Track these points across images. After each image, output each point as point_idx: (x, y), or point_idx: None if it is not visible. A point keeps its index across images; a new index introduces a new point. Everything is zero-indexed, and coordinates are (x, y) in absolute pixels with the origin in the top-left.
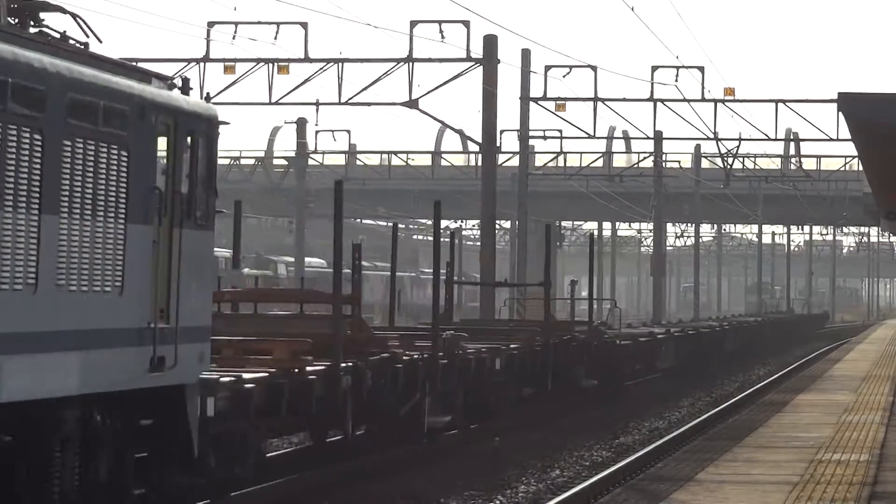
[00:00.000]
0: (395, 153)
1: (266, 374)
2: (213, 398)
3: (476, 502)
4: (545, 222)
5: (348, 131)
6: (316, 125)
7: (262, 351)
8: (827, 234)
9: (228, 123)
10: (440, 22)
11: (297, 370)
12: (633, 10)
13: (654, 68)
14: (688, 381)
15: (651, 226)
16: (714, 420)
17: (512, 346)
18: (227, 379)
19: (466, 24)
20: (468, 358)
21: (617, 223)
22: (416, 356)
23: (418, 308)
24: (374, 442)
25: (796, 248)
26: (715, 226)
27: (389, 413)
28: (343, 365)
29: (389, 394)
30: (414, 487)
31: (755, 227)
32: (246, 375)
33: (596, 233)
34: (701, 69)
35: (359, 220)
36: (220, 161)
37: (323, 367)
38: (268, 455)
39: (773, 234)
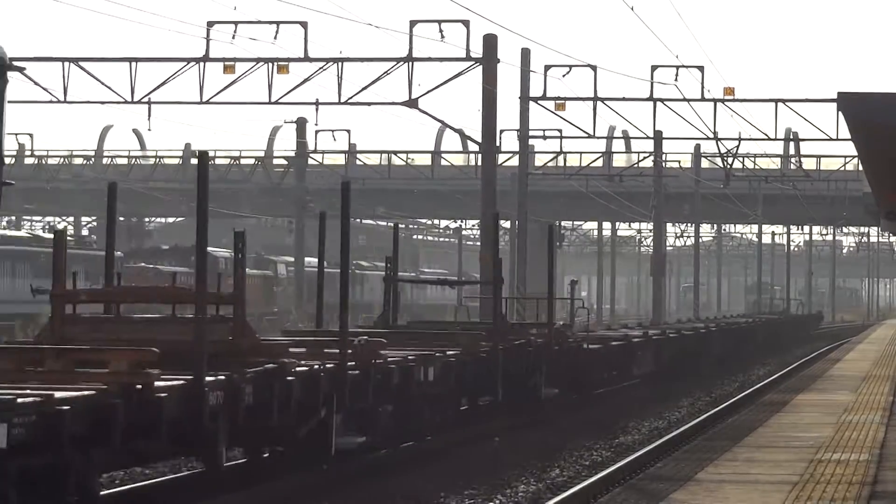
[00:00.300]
0: (395, 153)
1: (91, 393)
2: (5, 425)
3: (476, 502)
4: (494, 211)
5: (348, 131)
6: (316, 125)
7: (99, 362)
8: (827, 234)
9: (23, 69)
10: (440, 21)
11: (139, 386)
12: (632, 9)
13: (654, 68)
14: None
15: (651, 226)
16: (714, 420)
17: (449, 352)
18: (28, 399)
19: (466, 23)
20: (389, 368)
21: (617, 223)
22: (316, 366)
23: (419, 308)
24: (274, 467)
25: (796, 248)
26: (715, 226)
27: (282, 435)
28: (210, 379)
29: (281, 412)
30: (414, 487)
31: (755, 227)
32: (59, 394)
33: (598, 231)
34: (701, 69)
35: (359, 220)
36: (219, 161)
37: (180, 382)
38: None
39: (773, 234)
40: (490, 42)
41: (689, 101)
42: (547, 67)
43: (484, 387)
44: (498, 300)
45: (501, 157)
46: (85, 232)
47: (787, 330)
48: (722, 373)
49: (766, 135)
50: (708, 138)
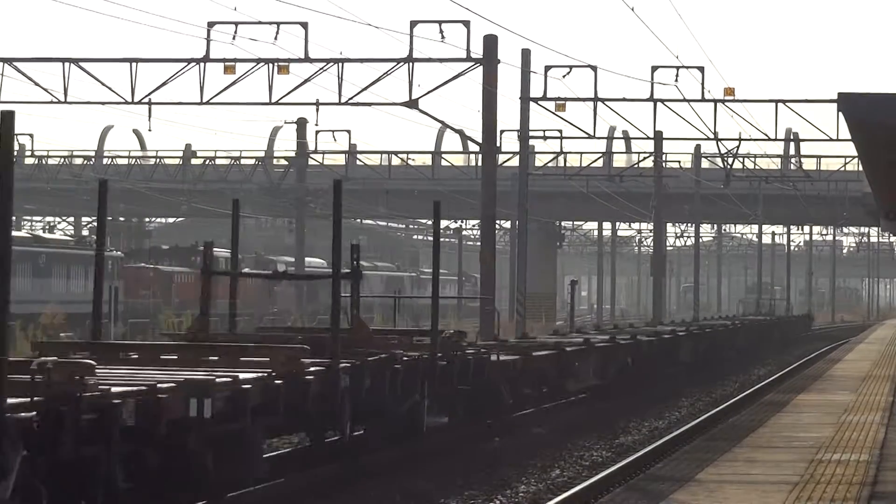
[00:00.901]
0: (396, 153)
1: None
2: None
3: (476, 502)
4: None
5: (348, 131)
6: (316, 125)
7: None
8: (827, 234)
9: None
10: (440, 22)
11: None
12: (633, 10)
13: (654, 68)
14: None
15: (651, 226)
16: (714, 420)
17: (245, 375)
18: None
19: (466, 24)
20: (110, 404)
21: (617, 223)
22: None
23: (419, 307)
24: None
25: (796, 249)
26: (715, 226)
27: None
28: None
29: None
30: (414, 487)
31: (755, 227)
32: None
33: (598, 231)
34: (701, 69)
35: (358, 221)
36: (219, 161)
37: None
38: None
39: (773, 234)
40: (490, 42)
41: (689, 101)
42: (547, 68)
43: (319, 420)
44: (355, 303)
45: (501, 158)
46: (85, 232)
47: (774, 333)
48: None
49: (766, 135)
50: (708, 139)
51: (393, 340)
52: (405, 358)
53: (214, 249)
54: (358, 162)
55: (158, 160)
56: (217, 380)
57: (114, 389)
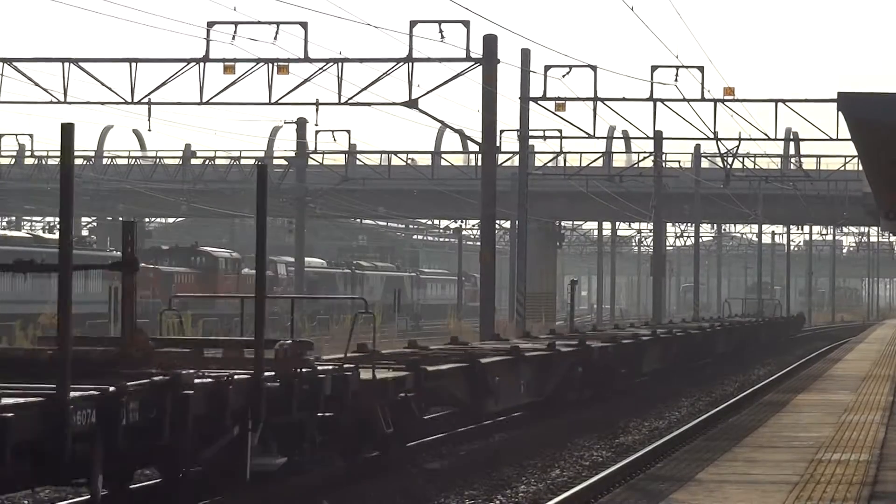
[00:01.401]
0: (396, 153)
1: None
2: None
3: (476, 502)
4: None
5: (348, 131)
6: (316, 125)
7: None
8: (827, 234)
9: None
10: (440, 22)
11: None
12: (632, 9)
13: (654, 68)
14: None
15: (651, 226)
16: (714, 420)
17: None
18: None
19: (466, 23)
20: None
21: (617, 223)
22: None
23: (419, 308)
24: None
25: (796, 248)
26: (715, 226)
27: None
28: None
29: None
30: (414, 487)
31: (755, 227)
32: None
33: (598, 231)
34: (701, 69)
35: (358, 221)
36: (219, 161)
37: None
38: None
39: (773, 233)
40: (490, 42)
41: (689, 101)
42: (547, 68)
43: (48, 472)
44: (127, 304)
45: (501, 158)
46: (85, 232)
47: (760, 336)
48: (721, 375)
49: (766, 135)
50: (708, 138)
51: (196, 353)
52: (204, 380)
53: (213, 249)
54: (358, 162)
55: (158, 160)
56: None
57: None
